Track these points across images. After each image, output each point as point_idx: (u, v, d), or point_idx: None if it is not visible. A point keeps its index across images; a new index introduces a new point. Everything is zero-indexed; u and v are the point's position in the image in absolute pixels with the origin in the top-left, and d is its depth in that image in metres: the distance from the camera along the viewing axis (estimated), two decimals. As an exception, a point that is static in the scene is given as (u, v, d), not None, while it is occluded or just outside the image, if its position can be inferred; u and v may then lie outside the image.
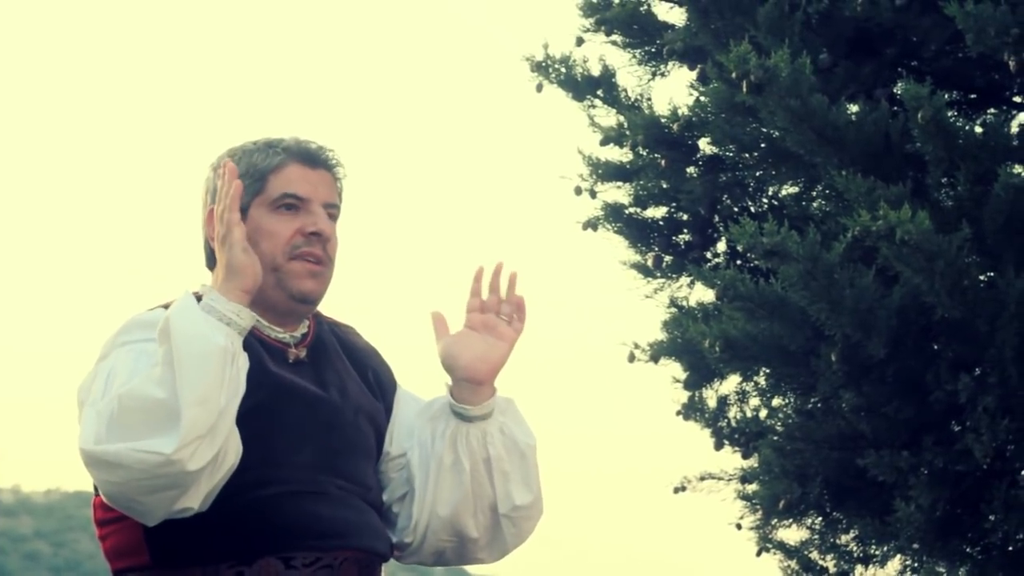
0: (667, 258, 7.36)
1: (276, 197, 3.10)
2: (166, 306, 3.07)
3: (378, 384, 3.22)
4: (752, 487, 6.96)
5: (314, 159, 3.15)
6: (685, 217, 7.37)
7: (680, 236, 7.42)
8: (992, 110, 6.84)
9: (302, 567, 2.96)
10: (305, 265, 3.09)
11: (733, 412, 7.09)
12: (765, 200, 7.18)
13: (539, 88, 7.56)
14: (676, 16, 7.37)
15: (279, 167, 3.12)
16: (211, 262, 3.17)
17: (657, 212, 7.44)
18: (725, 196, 7.19)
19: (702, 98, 6.94)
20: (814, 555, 7.00)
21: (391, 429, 3.20)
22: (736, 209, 7.12)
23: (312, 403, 3.06)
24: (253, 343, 3.06)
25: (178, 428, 2.79)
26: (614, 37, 7.51)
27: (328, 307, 3.25)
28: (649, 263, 7.38)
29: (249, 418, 2.96)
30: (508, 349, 3.12)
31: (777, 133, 6.41)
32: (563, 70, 7.52)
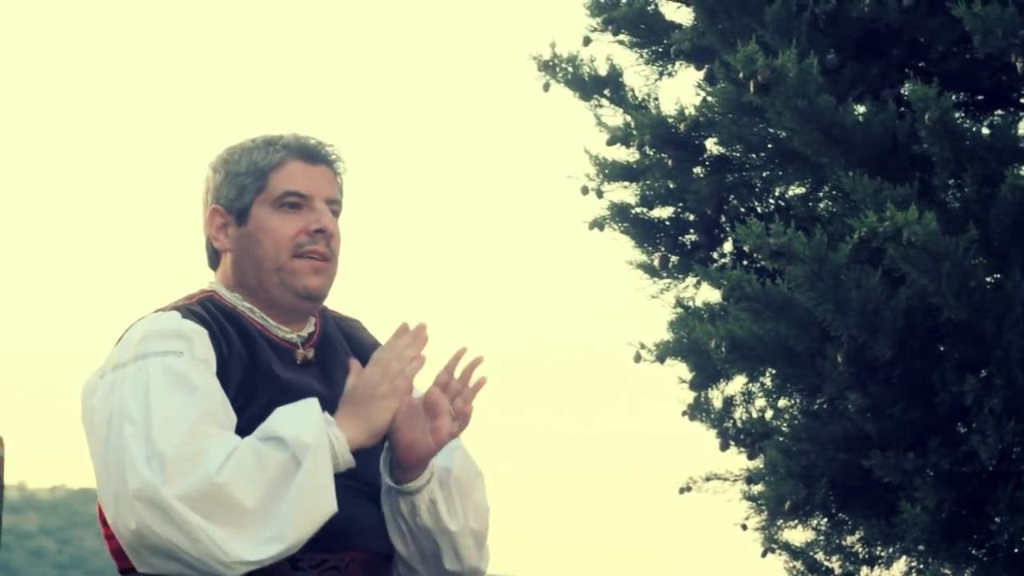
0: (673, 258, 7.35)
1: (278, 195, 3.10)
2: (177, 307, 3.06)
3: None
4: (758, 488, 6.96)
5: (314, 155, 3.14)
6: (691, 217, 7.37)
7: (686, 236, 7.41)
8: (999, 111, 6.83)
9: (309, 568, 2.97)
10: (309, 262, 3.09)
11: (739, 413, 7.08)
12: (772, 200, 7.18)
13: (546, 87, 7.56)
14: (683, 16, 7.37)
15: (280, 164, 3.12)
16: (213, 261, 3.18)
17: (663, 212, 7.44)
18: (732, 196, 7.18)
19: (709, 98, 6.94)
20: (819, 556, 7.00)
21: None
22: (743, 209, 7.11)
23: (320, 404, 3.06)
24: (261, 343, 3.07)
25: (251, 534, 2.84)
26: (621, 37, 7.51)
27: (333, 304, 3.25)
28: (655, 263, 7.37)
29: (259, 420, 2.97)
30: (435, 450, 3.05)
31: (784, 133, 6.40)
32: (570, 69, 7.51)
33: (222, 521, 2.83)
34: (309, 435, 2.89)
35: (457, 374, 3.08)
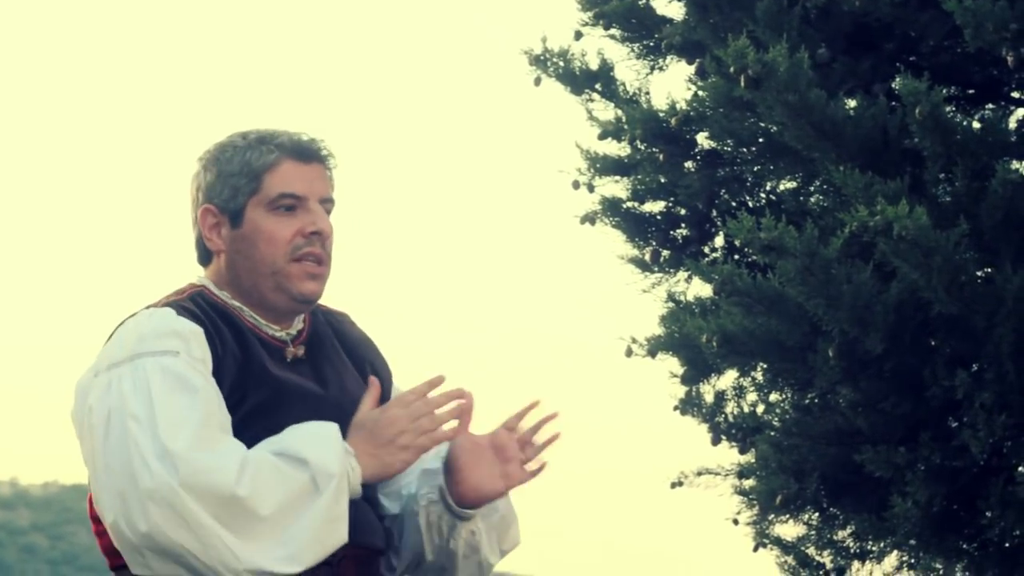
0: (664, 253, 7.35)
1: (273, 197, 3.06)
2: (170, 304, 3.04)
3: (376, 378, 3.20)
4: (749, 482, 6.96)
5: (308, 154, 3.10)
6: (683, 212, 7.37)
7: (678, 231, 7.41)
8: (990, 105, 6.84)
9: (301, 564, 2.96)
10: (305, 267, 3.07)
11: (730, 407, 7.08)
12: (763, 195, 7.18)
13: (537, 82, 7.56)
14: (674, 10, 7.37)
15: (274, 165, 3.07)
16: (204, 258, 3.15)
17: (655, 206, 7.44)
18: (723, 191, 7.18)
19: (700, 92, 6.94)
20: (811, 551, 7.00)
21: None
22: (734, 204, 7.11)
23: (312, 403, 3.05)
24: (253, 342, 3.05)
25: (264, 545, 2.84)
26: (612, 31, 7.50)
27: (324, 300, 3.23)
28: (647, 257, 7.37)
29: (251, 418, 2.97)
30: (504, 493, 3.09)
31: (775, 128, 6.40)
32: (561, 64, 7.51)
33: (237, 529, 2.82)
34: (334, 464, 2.89)
35: (528, 424, 3.10)
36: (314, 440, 2.92)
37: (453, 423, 3.05)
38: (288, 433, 2.93)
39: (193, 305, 3.04)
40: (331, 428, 2.95)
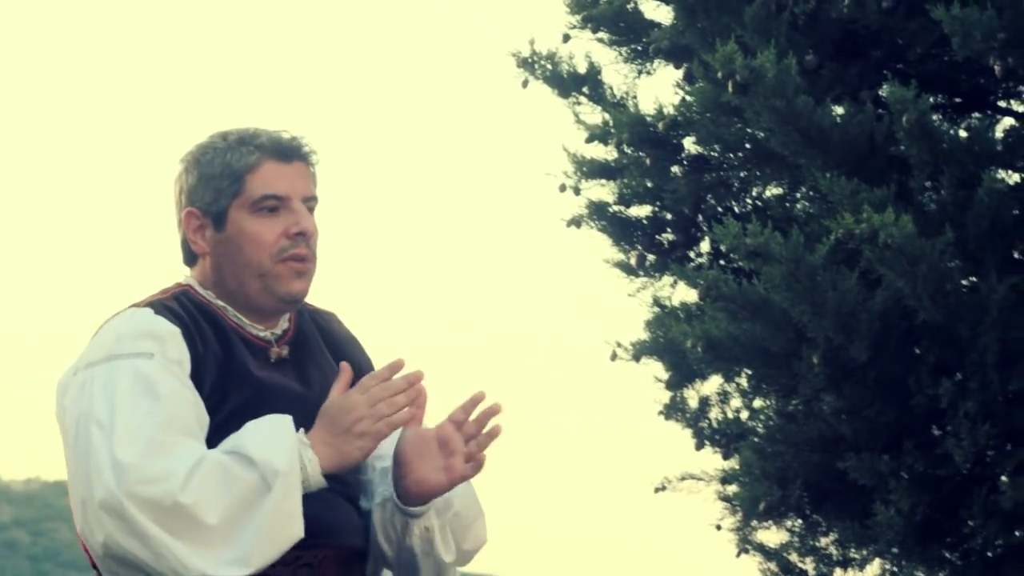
0: (650, 257, 7.36)
1: (256, 199, 3.05)
2: (151, 303, 3.03)
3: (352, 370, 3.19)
4: (732, 488, 6.96)
5: (289, 153, 3.08)
6: (669, 216, 7.37)
7: (664, 235, 7.41)
8: (977, 114, 6.84)
9: (281, 566, 2.94)
10: (292, 266, 3.06)
11: (714, 413, 7.08)
12: (749, 201, 7.18)
13: (525, 84, 7.56)
14: (663, 14, 7.37)
15: (255, 166, 3.06)
16: (189, 259, 3.14)
17: (641, 211, 7.44)
18: (709, 196, 7.19)
19: (688, 97, 6.94)
20: (793, 557, 7.00)
21: None
22: (720, 209, 7.12)
23: (295, 403, 3.03)
24: (236, 342, 3.04)
25: (213, 551, 2.82)
26: (601, 34, 7.51)
27: (309, 298, 3.21)
28: (632, 262, 7.37)
29: (233, 419, 2.95)
30: (447, 488, 3.04)
31: (762, 134, 6.41)
32: (549, 67, 7.51)
33: (184, 536, 2.81)
34: (281, 460, 2.86)
35: (473, 417, 3.05)
36: (264, 436, 2.90)
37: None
38: (244, 430, 2.92)
39: (176, 304, 3.04)
40: (283, 421, 2.93)
